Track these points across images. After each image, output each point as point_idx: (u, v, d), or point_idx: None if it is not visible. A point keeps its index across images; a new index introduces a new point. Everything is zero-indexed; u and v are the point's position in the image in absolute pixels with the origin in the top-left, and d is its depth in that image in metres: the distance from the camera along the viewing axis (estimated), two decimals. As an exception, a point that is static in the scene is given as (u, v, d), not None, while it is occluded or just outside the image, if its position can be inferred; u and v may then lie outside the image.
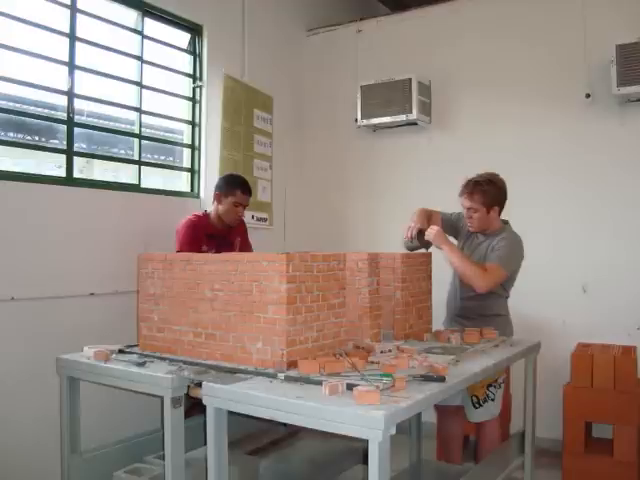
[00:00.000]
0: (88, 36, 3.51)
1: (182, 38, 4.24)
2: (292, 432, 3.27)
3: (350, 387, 1.81)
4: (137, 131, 3.87)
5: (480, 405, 3.07)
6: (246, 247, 3.71)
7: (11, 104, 3.21)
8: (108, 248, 3.48)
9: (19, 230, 3.08)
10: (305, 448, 3.19)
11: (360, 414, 1.66)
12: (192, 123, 4.29)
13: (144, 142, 3.93)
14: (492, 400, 3.07)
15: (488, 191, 3.09)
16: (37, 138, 3.34)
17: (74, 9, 3.42)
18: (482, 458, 3.11)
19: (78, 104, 3.47)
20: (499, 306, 3.18)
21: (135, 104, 3.85)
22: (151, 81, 3.95)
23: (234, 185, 3.51)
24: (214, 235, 3.47)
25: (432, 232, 3.01)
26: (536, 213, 4.15)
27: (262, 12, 4.72)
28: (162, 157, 4.17)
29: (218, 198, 3.51)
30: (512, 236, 3.13)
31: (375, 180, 4.92)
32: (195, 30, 4.27)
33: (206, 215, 3.55)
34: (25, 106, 3.29)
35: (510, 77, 4.38)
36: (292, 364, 2.09)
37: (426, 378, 2.00)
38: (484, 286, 2.94)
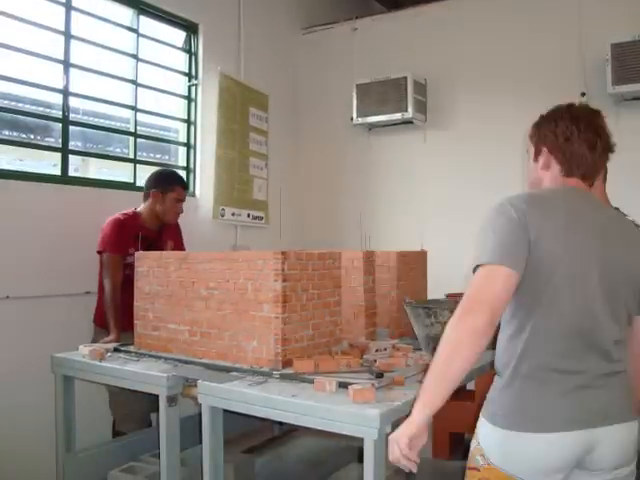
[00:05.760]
0: (83, 34, 3.50)
1: (178, 36, 4.23)
2: (288, 430, 3.27)
3: (345, 385, 1.81)
4: (132, 129, 3.86)
5: None
6: (180, 250, 3.40)
7: (6, 102, 3.20)
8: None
9: (14, 228, 3.07)
10: (301, 446, 3.19)
11: (355, 412, 1.66)
12: (187, 121, 4.28)
13: (139, 140, 3.92)
14: None
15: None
16: (32, 136, 3.33)
17: (69, 7, 3.41)
18: None
19: (73, 102, 3.46)
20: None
21: (130, 102, 3.84)
22: (146, 79, 3.94)
23: (173, 182, 3.29)
24: (145, 237, 3.19)
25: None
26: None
27: (258, 10, 4.71)
28: (158, 155, 4.16)
29: (156, 196, 3.21)
30: None
31: (371, 178, 4.91)
32: (191, 28, 4.26)
33: (137, 215, 3.23)
34: (20, 104, 3.27)
35: (505, 75, 4.38)
36: (287, 363, 2.09)
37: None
38: None
